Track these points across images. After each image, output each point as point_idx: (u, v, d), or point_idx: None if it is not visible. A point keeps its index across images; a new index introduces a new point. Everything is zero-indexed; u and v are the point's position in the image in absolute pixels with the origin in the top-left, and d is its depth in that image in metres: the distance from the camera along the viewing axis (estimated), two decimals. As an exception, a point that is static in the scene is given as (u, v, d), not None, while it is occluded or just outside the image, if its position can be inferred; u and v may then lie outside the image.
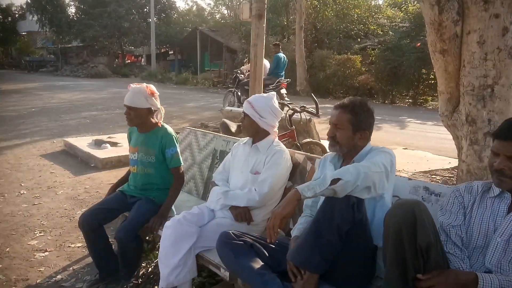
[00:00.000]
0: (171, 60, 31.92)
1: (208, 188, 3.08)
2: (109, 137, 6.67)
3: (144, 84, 2.71)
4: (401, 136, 8.17)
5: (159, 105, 2.74)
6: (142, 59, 36.63)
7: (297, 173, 2.51)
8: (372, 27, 20.14)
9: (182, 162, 2.78)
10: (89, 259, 3.07)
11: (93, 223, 2.62)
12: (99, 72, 26.08)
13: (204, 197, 3.09)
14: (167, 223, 2.25)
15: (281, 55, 9.50)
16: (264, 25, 4.50)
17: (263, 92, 9.48)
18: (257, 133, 2.42)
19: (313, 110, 4.00)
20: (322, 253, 1.64)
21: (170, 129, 2.82)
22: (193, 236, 2.18)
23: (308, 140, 4.24)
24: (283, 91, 8.71)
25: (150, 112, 2.72)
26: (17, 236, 3.42)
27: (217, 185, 2.55)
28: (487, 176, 3.22)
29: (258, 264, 1.83)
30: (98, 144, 6.28)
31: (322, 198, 2.01)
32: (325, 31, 19.55)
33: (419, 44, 14.66)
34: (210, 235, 2.24)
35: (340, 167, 2.00)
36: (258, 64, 4.65)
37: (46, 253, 3.16)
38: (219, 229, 2.26)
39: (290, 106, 4.07)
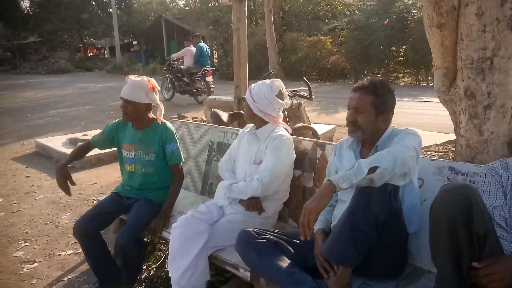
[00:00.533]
0: (136, 51, 30.95)
1: (207, 182, 2.93)
2: (84, 135, 6.32)
3: (145, 77, 2.52)
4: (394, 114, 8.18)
5: (158, 101, 2.55)
6: (105, 52, 35.32)
7: (306, 160, 2.38)
8: (339, 7, 20.15)
9: (183, 159, 2.60)
10: (84, 267, 2.88)
11: (89, 230, 2.42)
12: (61, 67, 24.92)
13: (204, 192, 2.93)
14: (175, 224, 2.08)
15: (203, 44, 10.33)
16: (246, 8, 4.29)
17: (191, 80, 9.73)
18: (252, 119, 2.31)
19: (305, 94, 3.88)
20: (358, 246, 1.54)
21: (169, 124, 2.64)
22: (204, 235, 2.03)
23: (300, 124, 4.12)
24: (209, 78, 9.74)
25: (149, 107, 2.52)
26: (0, 249, 3.15)
27: (223, 178, 2.40)
28: (488, 150, 3.21)
29: (285, 262, 1.70)
30: (73, 143, 5.94)
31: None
32: (293, 14, 19.39)
33: (387, 21, 14.78)
34: (222, 233, 2.10)
35: (360, 153, 1.89)
36: (242, 49, 4.44)
37: (36, 264, 2.92)
38: (231, 226, 2.13)
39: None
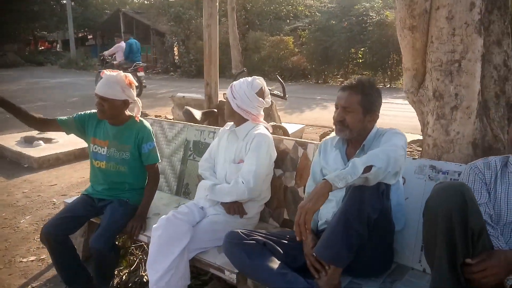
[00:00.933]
0: (91, 46, 29.72)
1: (183, 182, 2.84)
2: (40, 133, 5.96)
3: (122, 73, 2.39)
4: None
5: (135, 97, 2.43)
6: (58, 45, 33.66)
7: (288, 160, 2.37)
8: (300, 8, 20.42)
9: (159, 159, 2.50)
10: (49, 274, 2.70)
11: (59, 235, 2.27)
12: (10, 61, 23.44)
13: (179, 192, 2.84)
14: (155, 225, 1.99)
15: (132, 41, 10.59)
16: (217, 4, 4.21)
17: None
18: (232, 116, 2.26)
19: (278, 92, 3.86)
20: (350, 245, 1.54)
21: (146, 122, 2.53)
22: (186, 236, 1.95)
23: (272, 123, 4.10)
24: (141, 74, 10.07)
25: (126, 104, 2.40)
26: (-48, 257, 2.89)
27: (203, 177, 2.34)
28: (454, 149, 3.35)
29: (275, 263, 1.67)
30: (29, 141, 5.59)
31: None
32: (255, 13, 19.42)
33: (346, 23, 15.16)
34: (204, 235, 2.04)
35: (346, 153, 1.90)
36: (213, 46, 4.36)
37: (-6, 273, 2.71)
38: (213, 227, 2.08)
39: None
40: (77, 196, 2.59)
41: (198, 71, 16.47)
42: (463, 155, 2.60)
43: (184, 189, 2.82)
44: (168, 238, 1.92)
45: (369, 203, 1.50)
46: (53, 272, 2.66)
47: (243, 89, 2.19)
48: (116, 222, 2.29)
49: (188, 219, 2.04)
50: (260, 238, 1.75)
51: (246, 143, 2.18)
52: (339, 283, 1.61)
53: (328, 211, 1.83)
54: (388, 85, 14.94)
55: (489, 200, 1.54)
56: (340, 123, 1.82)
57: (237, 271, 1.84)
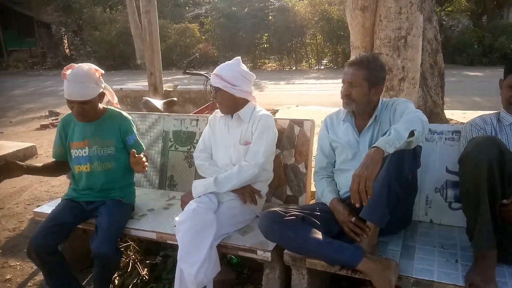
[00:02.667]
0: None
1: (166, 175, 2.72)
2: None
3: (86, 65, 2.15)
4: (277, 97, 8.61)
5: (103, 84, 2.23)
6: None
7: (284, 139, 2.42)
8: (200, -5, 20.20)
9: (144, 147, 2.37)
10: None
11: (49, 246, 2.04)
12: None
13: (163, 185, 2.71)
14: (181, 217, 1.90)
15: None
16: (155, -12, 4.01)
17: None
18: (235, 105, 2.20)
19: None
20: (390, 206, 1.67)
21: (125, 113, 2.34)
22: (213, 224, 1.91)
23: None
24: None
25: (101, 97, 2.20)
26: None
27: (201, 168, 2.27)
28: (402, 117, 3.73)
29: (318, 234, 1.74)
30: None
31: (342, 156, 2.02)
32: None
33: (246, 9, 15.47)
34: (225, 221, 2.01)
35: (355, 124, 2.01)
36: (154, 33, 4.15)
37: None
38: (232, 212, 2.07)
39: (208, 77, 3.81)
40: (57, 202, 2.31)
41: (99, 63, 15.36)
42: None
43: (169, 181, 2.70)
44: (197, 229, 1.85)
45: (407, 165, 1.65)
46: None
47: (238, 72, 2.15)
48: (116, 223, 2.12)
49: (209, 207, 1.99)
50: (297, 213, 1.79)
51: (251, 125, 2.17)
52: (377, 242, 1.74)
53: (348, 180, 1.94)
54: (294, 68, 15.73)
55: None
56: (346, 97, 1.93)
57: (271, 249, 1.86)
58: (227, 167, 2.20)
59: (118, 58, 17.03)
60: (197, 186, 2.09)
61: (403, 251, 1.82)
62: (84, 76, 2.09)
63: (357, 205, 1.56)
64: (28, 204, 3.62)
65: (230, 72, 2.13)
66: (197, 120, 2.67)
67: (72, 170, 2.31)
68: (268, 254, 1.87)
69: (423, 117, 1.68)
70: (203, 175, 2.26)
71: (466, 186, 1.55)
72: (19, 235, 3.08)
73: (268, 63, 16.38)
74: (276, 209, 1.82)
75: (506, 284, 1.54)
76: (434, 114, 4.13)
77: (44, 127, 6.82)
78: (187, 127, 2.69)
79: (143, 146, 2.37)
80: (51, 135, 5.75)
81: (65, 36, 19.84)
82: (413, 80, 3.51)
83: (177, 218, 1.91)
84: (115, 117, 2.28)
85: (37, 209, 2.49)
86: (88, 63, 2.19)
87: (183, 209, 2.08)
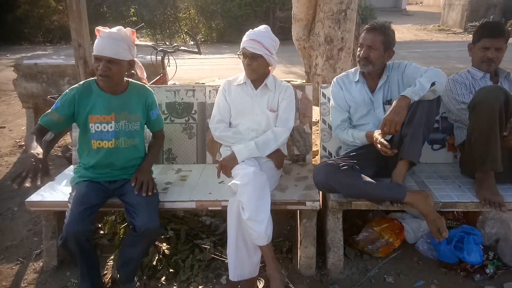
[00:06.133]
0: None
1: (162, 149, 2.62)
2: None
3: (122, 28, 2.00)
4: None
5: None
6: None
7: (288, 103, 2.59)
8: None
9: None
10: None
11: (87, 231, 1.89)
12: None
13: (161, 160, 2.61)
14: (243, 181, 1.92)
15: None
16: None
17: None
18: (265, 73, 2.28)
19: (186, 48, 3.70)
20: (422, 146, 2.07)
21: (147, 86, 2.20)
22: (267, 184, 2.01)
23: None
24: None
25: (131, 66, 2.02)
26: None
27: (224, 138, 2.30)
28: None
29: (368, 178, 2.02)
30: None
31: (358, 114, 2.33)
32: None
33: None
34: (268, 180, 2.13)
35: (368, 85, 2.33)
36: (81, 0, 3.68)
37: None
38: (270, 172, 2.21)
39: (157, 48, 3.58)
40: (75, 185, 2.06)
41: None
42: (326, 84, 3.41)
43: (167, 155, 2.61)
44: (259, 189, 1.93)
45: (435, 111, 2.04)
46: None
47: (273, 40, 2.20)
48: (153, 197, 2.03)
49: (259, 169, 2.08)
50: (345, 162, 2.04)
51: (278, 94, 2.29)
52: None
53: (367, 130, 2.26)
54: (168, 43, 15.26)
55: None
56: (365, 59, 2.23)
57: (318, 199, 2.08)
58: (253, 133, 2.28)
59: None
60: (241, 151, 2.14)
61: (419, 185, 2.25)
62: (118, 34, 1.96)
63: (392, 132, 1.95)
64: None
65: (268, 40, 2.18)
66: (194, 90, 2.62)
67: (84, 147, 2.08)
68: (317, 203, 2.08)
69: (442, 72, 2.07)
70: (227, 144, 2.30)
71: (480, 126, 2.01)
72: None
73: (140, 38, 15.51)
74: (332, 161, 2.03)
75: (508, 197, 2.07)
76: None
77: None
78: (182, 98, 2.62)
79: (163, 121, 2.27)
80: None
81: None
82: (349, 50, 4.00)
83: (238, 182, 1.95)
84: (141, 89, 2.14)
85: (30, 199, 2.15)
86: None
87: (226, 174, 2.13)
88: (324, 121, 2.60)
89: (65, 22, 14.68)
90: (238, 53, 2.24)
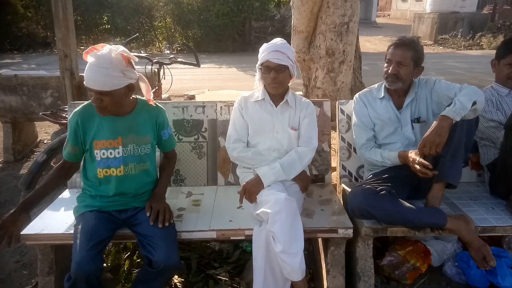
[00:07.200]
0: None
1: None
2: None
3: (114, 48, 1.69)
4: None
5: (137, 73, 1.82)
6: None
7: (305, 119, 2.44)
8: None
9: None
10: None
11: (98, 269, 1.65)
12: None
13: (168, 182, 2.38)
14: (274, 208, 1.74)
15: None
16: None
17: None
18: (286, 85, 2.11)
19: (183, 60, 3.46)
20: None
21: (158, 104, 1.97)
22: (298, 211, 1.84)
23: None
24: None
25: (131, 89, 1.77)
26: None
27: (243, 159, 2.12)
28: (340, 96, 4.10)
29: (405, 203, 1.88)
30: None
31: (384, 132, 2.19)
32: None
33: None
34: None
35: (393, 102, 2.20)
36: (68, 7, 3.37)
37: None
38: (296, 196, 2.03)
39: (152, 59, 3.33)
40: (80, 216, 1.80)
41: None
42: (345, 100, 3.39)
43: (175, 176, 2.38)
44: (291, 218, 1.75)
45: (471, 132, 1.93)
46: None
47: (293, 52, 2.06)
48: (170, 229, 1.81)
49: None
50: (383, 187, 1.89)
51: (299, 111, 2.12)
52: None
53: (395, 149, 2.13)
54: (143, 52, 14.87)
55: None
56: (394, 76, 2.10)
57: (351, 226, 1.92)
58: (275, 153, 2.11)
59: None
60: (267, 175, 1.95)
61: (450, 208, 2.13)
62: (107, 59, 1.65)
63: (430, 153, 1.83)
64: None
65: (290, 50, 2.05)
66: (204, 106, 2.42)
67: (91, 174, 1.84)
68: (350, 231, 1.92)
69: (479, 90, 1.97)
70: (246, 165, 2.12)
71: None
72: None
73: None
74: (368, 186, 1.88)
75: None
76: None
77: None
78: (191, 115, 2.41)
79: (176, 140, 2.06)
80: None
81: None
82: (350, 62, 3.91)
83: (269, 210, 1.75)
84: (150, 108, 1.91)
85: (26, 231, 1.87)
86: (120, 46, 1.74)
87: (251, 199, 1.93)
88: (343, 139, 2.46)
89: (33, 29, 14.13)
90: (258, 67, 2.07)
